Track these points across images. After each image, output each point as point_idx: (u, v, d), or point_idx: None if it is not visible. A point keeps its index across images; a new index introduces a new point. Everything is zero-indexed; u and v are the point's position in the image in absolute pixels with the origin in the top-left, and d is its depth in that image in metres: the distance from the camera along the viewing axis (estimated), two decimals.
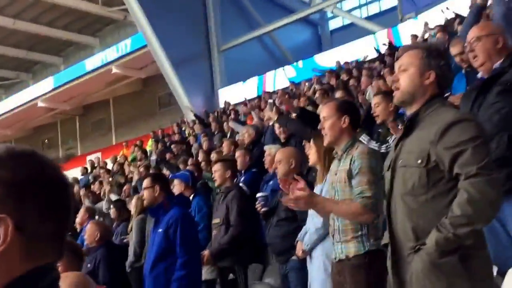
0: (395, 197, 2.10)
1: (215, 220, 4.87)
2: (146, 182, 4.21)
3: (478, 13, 4.76)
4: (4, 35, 26.45)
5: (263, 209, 4.28)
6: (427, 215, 1.99)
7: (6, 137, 31.13)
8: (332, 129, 2.78)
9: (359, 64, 13.26)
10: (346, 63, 14.34)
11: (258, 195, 4.39)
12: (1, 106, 28.62)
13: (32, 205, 0.94)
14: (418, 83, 2.12)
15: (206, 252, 4.72)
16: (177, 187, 5.51)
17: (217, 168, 5.08)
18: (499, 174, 2.02)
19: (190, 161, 8.65)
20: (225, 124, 11.84)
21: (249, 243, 4.74)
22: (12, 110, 27.60)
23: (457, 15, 9.85)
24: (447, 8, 11.40)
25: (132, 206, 6.34)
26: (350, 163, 2.69)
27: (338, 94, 6.98)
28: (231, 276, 4.76)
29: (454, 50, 4.54)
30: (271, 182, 4.88)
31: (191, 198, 5.35)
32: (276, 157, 4.30)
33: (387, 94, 4.29)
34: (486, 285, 1.99)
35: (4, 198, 0.92)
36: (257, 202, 4.32)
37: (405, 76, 2.14)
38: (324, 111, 2.85)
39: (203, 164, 8.07)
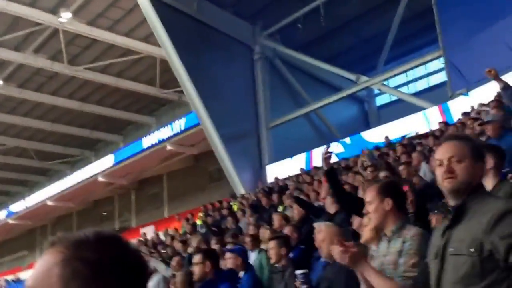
0: (445, 286, 2.07)
1: None
2: (197, 258, 4.22)
3: None
4: (71, 117, 28.74)
5: (303, 286, 4.16)
6: None
7: (70, 209, 33.02)
8: (376, 213, 2.74)
9: (410, 140, 13.19)
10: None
11: (297, 272, 4.28)
12: (67, 181, 30.30)
13: (115, 285, 0.97)
14: (473, 174, 2.14)
15: None
16: (231, 261, 5.42)
17: (272, 246, 4.95)
18: None
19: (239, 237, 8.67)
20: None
21: None
22: (75, 184, 29.16)
23: None
24: None
25: (178, 281, 6.23)
26: (402, 245, 2.62)
27: (382, 174, 6.85)
28: None
29: None
30: (322, 259, 4.67)
31: (242, 274, 5.31)
32: (318, 235, 4.25)
33: None
34: None
35: (90, 278, 0.94)
36: (296, 279, 4.21)
37: (462, 167, 2.14)
38: (368, 195, 2.82)
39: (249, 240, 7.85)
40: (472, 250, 1.94)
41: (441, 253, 2.09)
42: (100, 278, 0.95)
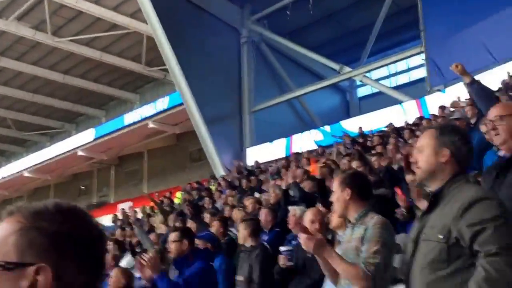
0: (415, 269, 2.10)
1: (239, 278, 4.88)
2: (174, 236, 4.28)
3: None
4: (54, 88, 28.50)
5: (288, 263, 4.28)
6: None
7: (47, 182, 32.73)
8: (338, 202, 2.89)
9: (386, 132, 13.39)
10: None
11: (282, 248, 4.37)
12: (45, 153, 30.12)
13: (71, 257, 0.97)
14: (434, 162, 2.14)
15: None
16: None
17: (242, 227, 5.12)
18: None
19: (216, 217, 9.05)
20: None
21: None
22: (54, 157, 29.00)
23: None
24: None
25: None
26: (364, 232, 2.72)
27: (354, 164, 6.96)
28: None
29: (483, 127, 4.49)
30: (294, 242, 4.82)
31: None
32: (307, 217, 4.30)
33: None
34: None
35: (47, 248, 0.95)
36: (281, 256, 4.32)
37: (422, 156, 2.18)
38: (333, 185, 2.99)
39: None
40: (441, 236, 1.98)
41: (415, 238, 2.14)
42: (56, 248, 0.95)
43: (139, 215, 15.43)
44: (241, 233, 5.11)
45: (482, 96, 4.21)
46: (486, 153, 5.32)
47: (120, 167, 30.32)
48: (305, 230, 2.78)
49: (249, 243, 5.00)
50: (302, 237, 2.71)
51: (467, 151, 2.18)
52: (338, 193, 2.89)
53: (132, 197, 26.06)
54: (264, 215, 6.09)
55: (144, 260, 4.26)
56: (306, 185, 7.38)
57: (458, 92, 12.64)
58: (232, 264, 5.46)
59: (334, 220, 3.59)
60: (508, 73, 12.10)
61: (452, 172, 2.13)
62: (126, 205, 22.09)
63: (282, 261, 4.34)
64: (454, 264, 1.96)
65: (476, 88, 4.28)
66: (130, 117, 24.95)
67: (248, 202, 7.95)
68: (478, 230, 1.90)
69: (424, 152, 2.19)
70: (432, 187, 2.17)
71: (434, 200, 2.12)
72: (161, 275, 4.13)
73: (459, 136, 2.18)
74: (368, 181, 3.19)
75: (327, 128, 19.90)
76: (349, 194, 2.85)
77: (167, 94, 23.74)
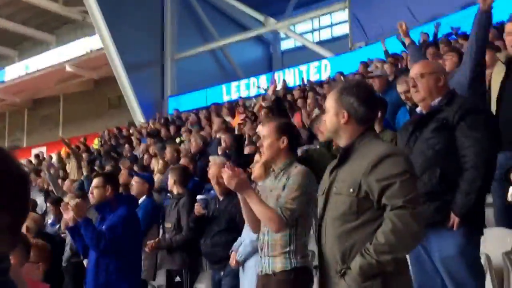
0: (326, 221, 2.19)
1: (167, 225, 4.98)
2: (97, 181, 4.18)
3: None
4: None
5: (202, 211, 4.39)
6: (354, 240, 2.08)
7: None
8: (270, 149, 2.80)
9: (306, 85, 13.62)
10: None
11: (199, 197, 4.51)
12: None
13: None
14: (336, 124, 2.24)
15: (154, 241, 4.88)
16: (138, 186, 5.57)
17: (169, 175, 5.24)
18: (423, 208, 2.18)
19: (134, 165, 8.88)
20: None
21: (195, 248, 4.77)
22: None
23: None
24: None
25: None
26: (286, 181, 2.73)
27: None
28: (177, 278, 4.88)
29: (400, 88, 4.78)
30: (212, 191, 5.00)
31: (143, 198, 5.51)
32: (211, 169, 4.45)
33: None
34: None
35: None
36: (196, 204, 4.42)
37: (327, 118, 2.29)
38: (264, 130, 2.88)
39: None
40: (351, 190, 2.09)
41: (326, 191, 2.22)
42: None
43: (53, 161, 15.03)
44: (169, 181, 5.21)
45: (417, 56, 4.59)
46: (400, 109, 5.67)
47: (34, 111, 29.00)
48: (231, 168, 2.66)
49: (176, 190, 5.09)
50: (225, 174, 2.62)
51: (365, 111, 2.22)
52: (272, 140, 2.80)
53: (46, 142, 25.20)
54: (185, 164, 6.16)
55: (71, 204, 4.16)
56: (226, 139, 7.35)
57: (380, 49, 12.96)
58: (157, 207, 5.58)
59: (256, 170, 3.52)
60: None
61: (355, 130, 2.22)
62: (40, 150, 21.41)
63: (196, 209, 4.45)
64: (363, 216, 2.08)
65: (413, 48, 4.74)
66: (45, 59, 23.90)
67: (168, 150, 7.95)
68: (386, 185, 2.02)
69: (328, 114, 2.28)
70: (341, 143, 2.27)
71: (344, 154, 2.21)
72: (86, 222, 4.04)
73: (356, 97, 2.22)
74: (298, 132, 3.21)
75: (250, 80, 19.90)
76: (285, 143, 2.80)
77: (85, 36, 22.81)
